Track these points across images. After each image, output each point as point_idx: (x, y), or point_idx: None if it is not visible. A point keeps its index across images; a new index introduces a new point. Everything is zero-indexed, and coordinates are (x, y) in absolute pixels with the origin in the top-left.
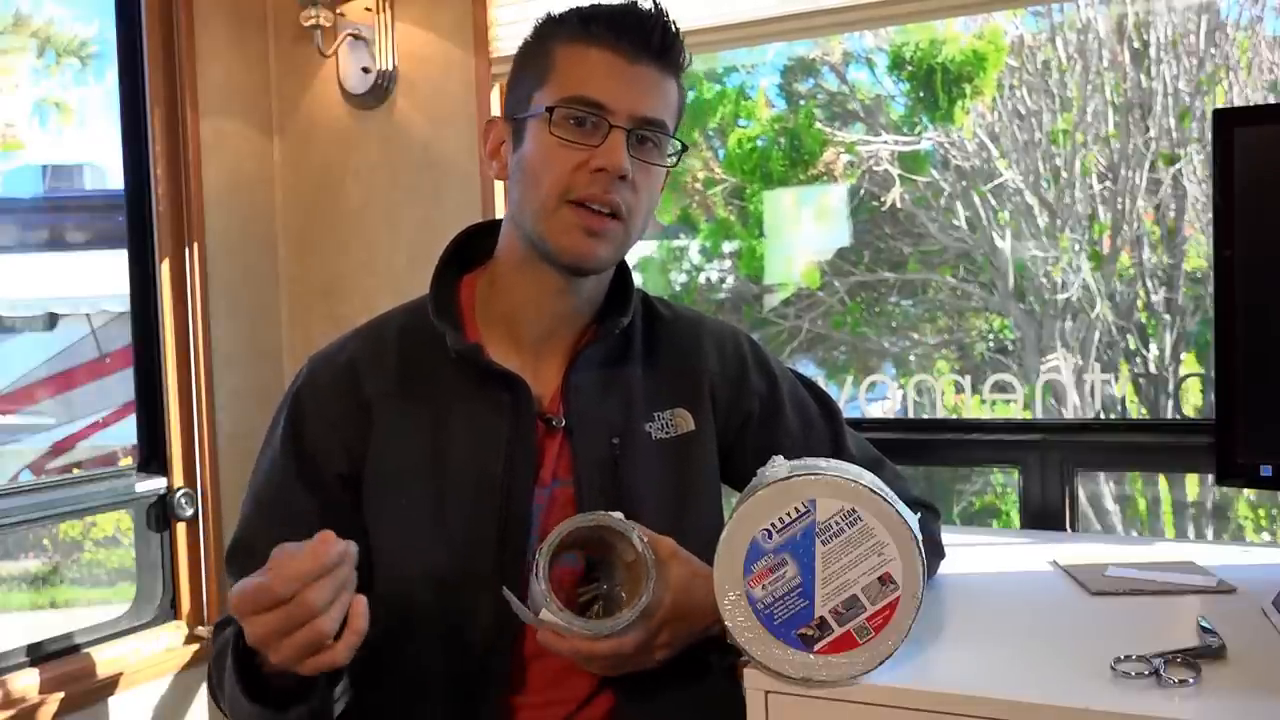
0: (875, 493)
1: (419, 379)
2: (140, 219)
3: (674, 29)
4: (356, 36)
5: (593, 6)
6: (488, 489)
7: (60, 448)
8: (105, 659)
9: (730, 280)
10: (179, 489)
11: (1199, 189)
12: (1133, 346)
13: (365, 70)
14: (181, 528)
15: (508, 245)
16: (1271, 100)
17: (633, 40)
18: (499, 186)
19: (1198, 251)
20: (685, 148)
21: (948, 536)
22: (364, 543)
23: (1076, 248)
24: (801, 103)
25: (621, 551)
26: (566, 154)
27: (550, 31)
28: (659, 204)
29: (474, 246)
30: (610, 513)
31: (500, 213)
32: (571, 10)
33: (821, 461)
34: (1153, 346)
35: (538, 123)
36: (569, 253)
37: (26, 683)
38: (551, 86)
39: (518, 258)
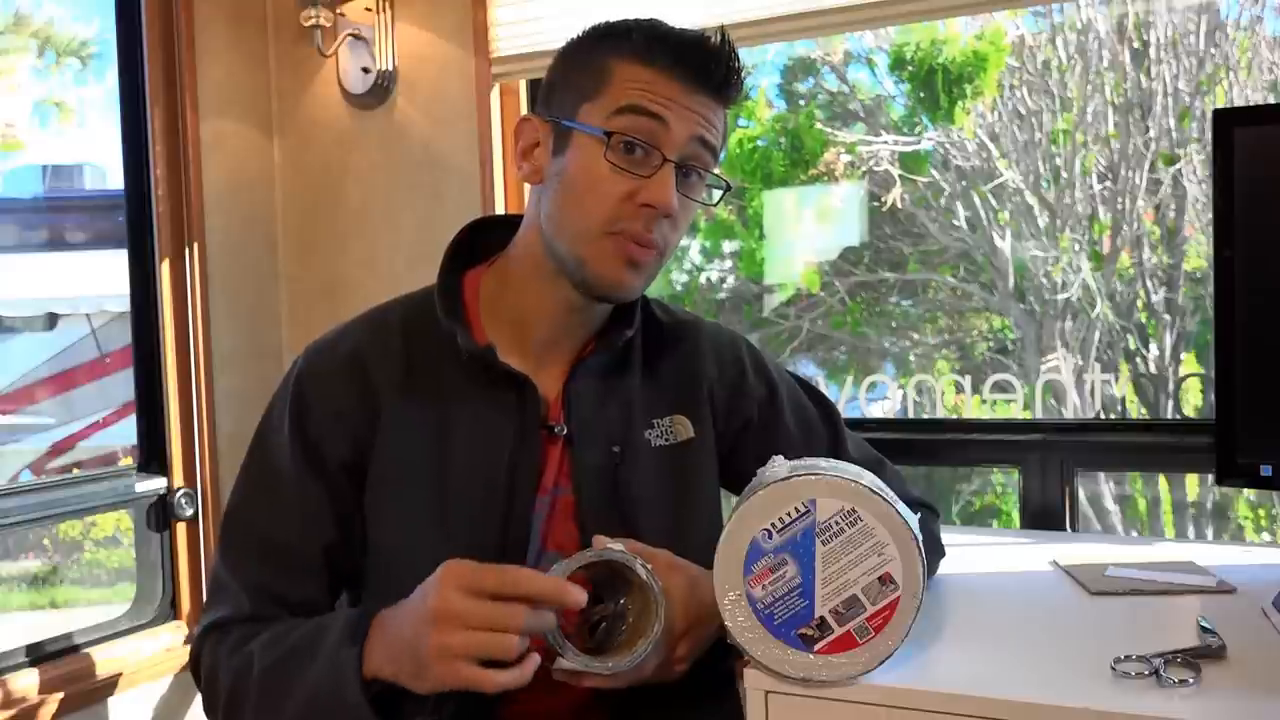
0: (875, 493)
1: (424, 374)
2: (140, 219)
3: (738, 66)
4: (356, 36)
5: (660, 27)
6: (490, 493)
7: (60, 448)
8: (105, 659)
9: (730, 280)
10: (179, 489)
11: (1199, 189)
12: (1133, 346)
13: (365, 70)
14: (181, 528)
15: (527, 249)
16: (1271, 100)
17: (695, 70)
18: (499, 186)
19: (1198, 251)
20: (729, 188)
21: (948, 536)
22: (362, 535)
23: (1076, 248)
24: (802, 103)
25: (626, 573)
26: (616, 181)
27: (609, 44)
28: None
29: (478, 241)
30: (610, 545)
31: (500, 210)
32: (633, 25)
33: (821, 461)
34: (1153, 346)
35: (589, 141)
36: (606, 281)
37: (26, 683)
38: (605, 101)
39: (537, 265)
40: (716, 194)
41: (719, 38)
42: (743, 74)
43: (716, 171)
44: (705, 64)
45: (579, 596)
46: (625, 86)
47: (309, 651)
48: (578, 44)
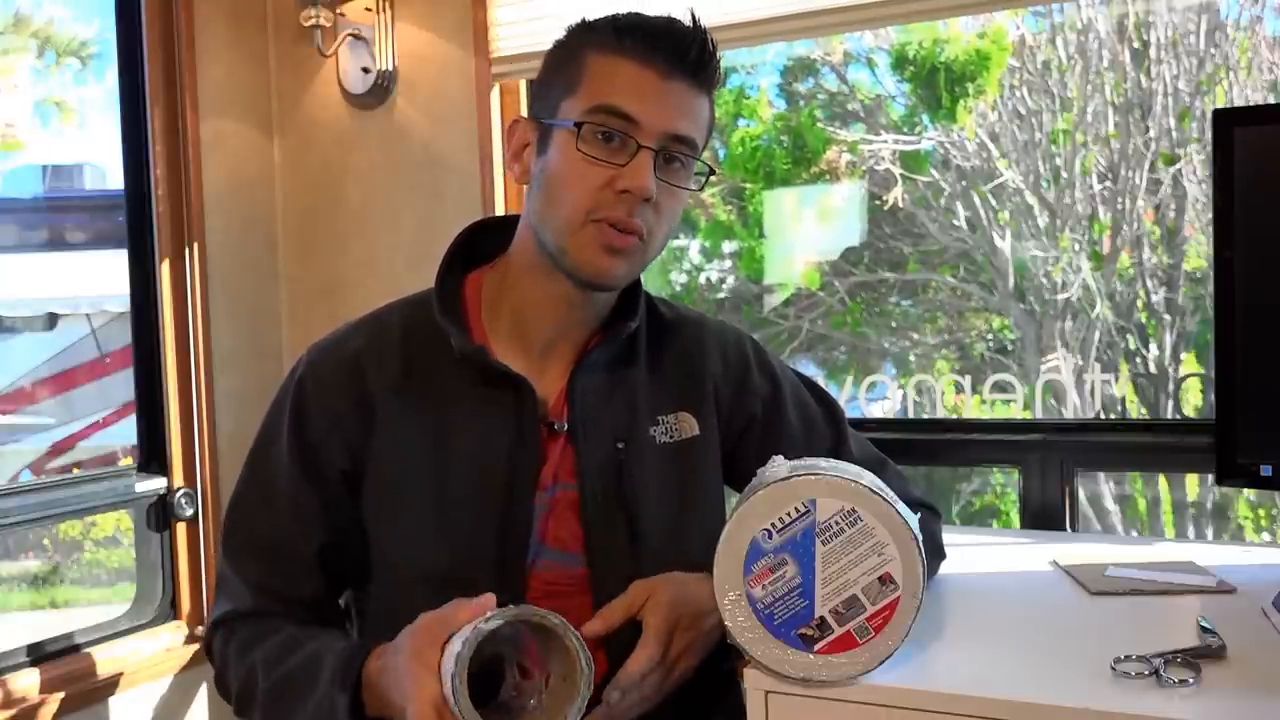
0: (875, 493)
1: (422, 376)
2: (140, 219)
3: (711, 46)
4: (356, 36)
5: (629, 17)
6: (489, 490)
7: (60, 448)
8: (105, 659)
9: (730, 280)
10: (179, 489)
11: (1199, 189)
12: (1133, 346)
13: (365, 70)
14: (181, 528)
15: (523, 248)
16: (1271, 100)
17: (668, 56)
18: (499, 186)
19: (1198, 251)
20: (712, 171)
21: (948, 536)
22: (363, 538)
23: (1076, 248)
24: (802, 103)
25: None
26: (593, 171)
27: (584, 39)
28: (678, 223)
29: (481, 242)
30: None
31: (500, 210)
32: (607, 19)
33: (822, 461)
34: (1153, 346)
35: (565, 135)
36: (589, 268)
37: (26, 683)
38: (580, 97)
39: (532, 263)
40: (702, 180)
41: (691, 21)
42: (717, 56)
43: (700, 158)
44: (678, 50)
45: None
46: (599, 82)
47: (306, 682)
48: (559, 42)
